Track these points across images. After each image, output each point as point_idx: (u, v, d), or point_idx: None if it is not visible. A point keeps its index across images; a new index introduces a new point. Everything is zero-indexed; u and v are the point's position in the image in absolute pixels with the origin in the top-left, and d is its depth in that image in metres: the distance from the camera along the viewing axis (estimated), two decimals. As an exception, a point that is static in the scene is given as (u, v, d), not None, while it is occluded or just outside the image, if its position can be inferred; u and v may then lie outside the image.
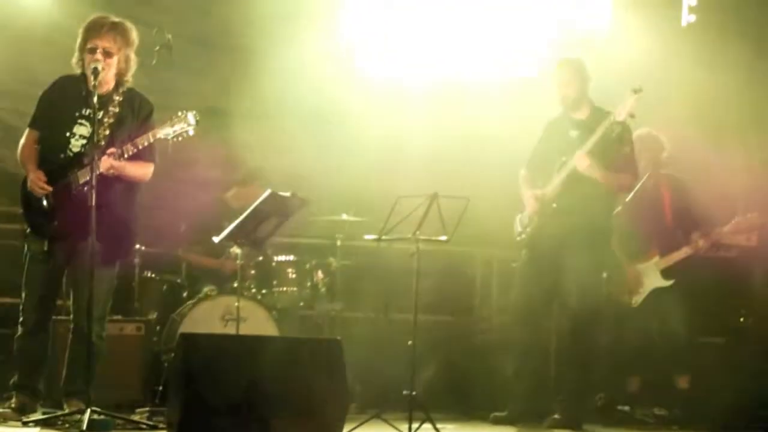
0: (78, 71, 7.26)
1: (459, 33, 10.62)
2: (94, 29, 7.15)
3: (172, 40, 9.20)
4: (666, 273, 8.69)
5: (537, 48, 10.20)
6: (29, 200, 7.16)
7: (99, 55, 7.08)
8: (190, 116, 7.14)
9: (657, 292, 8.70)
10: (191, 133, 7.16)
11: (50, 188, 7.04)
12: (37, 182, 7.03)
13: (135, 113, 7.23)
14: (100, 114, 7.05)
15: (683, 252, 8.64)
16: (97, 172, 6.82)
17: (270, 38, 10.16)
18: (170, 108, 9.86)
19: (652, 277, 8.73)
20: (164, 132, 7.11)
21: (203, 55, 10.29)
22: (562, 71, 8.22)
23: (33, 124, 7.28)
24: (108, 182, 7.00)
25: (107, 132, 7.09)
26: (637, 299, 8.76)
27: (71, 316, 7.28)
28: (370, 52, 10.42)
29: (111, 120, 7.11)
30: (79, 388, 6.94)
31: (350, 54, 10.37)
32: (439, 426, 7.42)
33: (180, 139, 7.17)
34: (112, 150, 7.00)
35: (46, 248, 7.12)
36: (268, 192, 7.80)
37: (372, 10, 10.48)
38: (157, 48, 9.11)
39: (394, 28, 10.53)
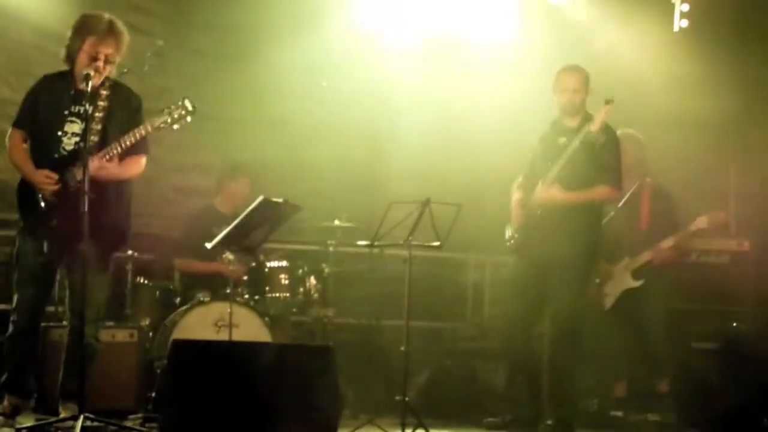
0: (66, 67, 7.19)
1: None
2: (95, 32, 7.01)
3: (164, 47, 9.25)
4: (636, 274, 8.72)
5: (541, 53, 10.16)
6: (26, 200, 7.10)
7: (101, 63, 7.01)
8: (188, 102, 7.10)
9: (629, 294, 8.74)
10: (189, 120, 7.11)
11: (58, 185, 6.96)
12: (46, 180, 6.96)
13: (124, 105, 7.16)
14: (90, 109, 6.93)
15: (646, 255, 8.67)
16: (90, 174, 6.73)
17: (261, 46, 10.18)
18: (163, 114, 9.91)
19: (622, 279, 8.77)
20: (162, 121, 7.04)
21: (194, 62, 10.29)
22: (573, 77, 8.09)
23: (19, 124, 7.18)
24: (103, 181, 6.93)
25: (99, 126, 6.99)
26: (609, 301, 8.80)
27: (63, 321, 7.27)
28: (363, 54, 10.40)
29: (101, 114, 7.02)
30: (76, 390, 6.89)
31: (341, 60, 10.35)
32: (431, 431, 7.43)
33: (177, 126, 7.11)
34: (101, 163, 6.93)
35: (45, 249, 7.01)
36: (260, 198, 7.80)
37: (360, 20, 10.47)
38: (149, 54, 9.14)
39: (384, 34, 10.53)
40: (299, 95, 10.23)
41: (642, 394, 8.93)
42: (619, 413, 8.86)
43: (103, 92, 7.09)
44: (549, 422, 8.03)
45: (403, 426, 7.31)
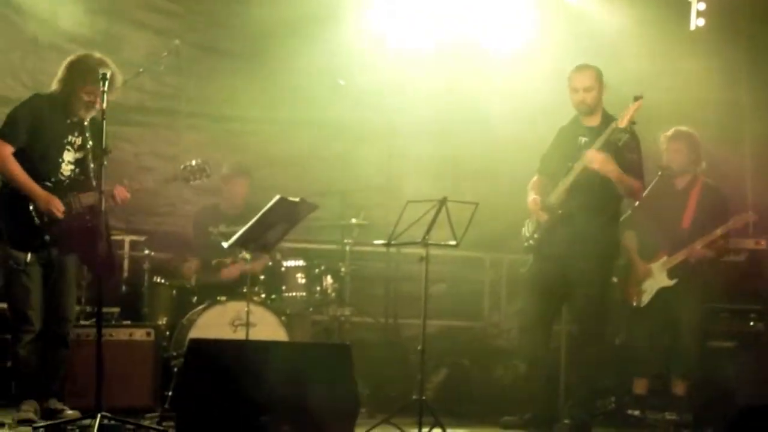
0: (57, 95, 7.34)
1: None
2: (95, 82, 7.04)
3: (180, 46, 9.26)
4: (671, 273, 8.68)
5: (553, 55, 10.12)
6: (15, 213, 7.22)
7: (98, 105, 7.18)
8: (207, 167, 7.68)
9: (663, 292, 8.70)
10: (199, 180, 7.78)
11: (64, 209, 7.23)
12: (57, 205, 7.18)
13: (99, 138, 7.16)
14: (80, 140, 7.39)
15: (682, 254, 8.63)
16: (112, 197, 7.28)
17: (277, 45, 10.18)
18: (179, 113, 9.95)
19: (658, 277, 8.72)
20: (182, 176, 7.68)
21: (210, 61, 10.29)
22: (583, 76, 8.05)
23: (10, 138, 7.25)
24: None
25: (80, 155, 7.39)
26: (645, 299, 8.75)
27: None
28: (375, 57, 10.38)
29: (90, 145, 7.39)
30: (55, 388, 7.37)
31: (357, 59, 10.34)
32: (448, 431, 7.41)
33: (191, 183, 7.89)
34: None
35: (28, 260, 7.23)
36: (277, 197, 7.79)
37: (376, 19, 10.45)
38: (165, 54, 9.15)
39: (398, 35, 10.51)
40: (315, 94, 10.22)
41: (660, 393, 8.89)
42: (636, 412, 8.83)
43: (86, 124, 7.41)
44: (566, 421, 8.01)
45: (420, 425, 7.29)
